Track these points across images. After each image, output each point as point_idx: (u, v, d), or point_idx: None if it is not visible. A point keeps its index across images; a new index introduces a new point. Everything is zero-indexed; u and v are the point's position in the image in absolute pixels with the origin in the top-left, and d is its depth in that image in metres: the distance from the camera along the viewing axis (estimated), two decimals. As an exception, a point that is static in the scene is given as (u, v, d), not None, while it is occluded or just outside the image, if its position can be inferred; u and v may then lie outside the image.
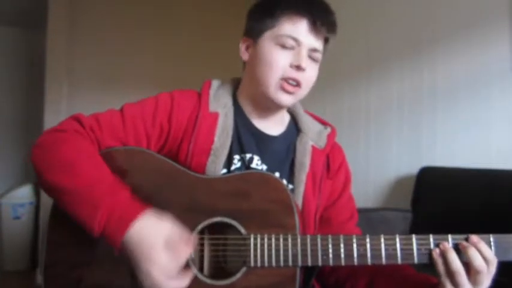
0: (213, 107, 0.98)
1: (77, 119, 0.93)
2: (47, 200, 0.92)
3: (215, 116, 0.97)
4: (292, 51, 0.93)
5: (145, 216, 0.79)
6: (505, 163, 1.82)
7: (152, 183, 0.89)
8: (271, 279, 0.82)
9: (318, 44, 0.94)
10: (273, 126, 1.03)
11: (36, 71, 4.08)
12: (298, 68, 0.92)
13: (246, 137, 0.99)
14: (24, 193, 3.58)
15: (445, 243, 0.78)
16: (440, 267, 0.77)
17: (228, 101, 1.00)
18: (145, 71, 3.59)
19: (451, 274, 0.76)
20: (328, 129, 1.06)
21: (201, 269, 0.87)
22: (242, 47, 1.01)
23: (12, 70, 4.46)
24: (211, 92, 1.01)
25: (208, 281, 0.83)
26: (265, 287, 0.82)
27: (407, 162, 2.36)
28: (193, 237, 0.82)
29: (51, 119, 3.37)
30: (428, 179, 2.15)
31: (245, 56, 1.00)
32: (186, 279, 0.79)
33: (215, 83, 1.04)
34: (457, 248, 0.77)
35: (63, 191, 0.83)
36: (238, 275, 0.82)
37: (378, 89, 2.60)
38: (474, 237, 0.77)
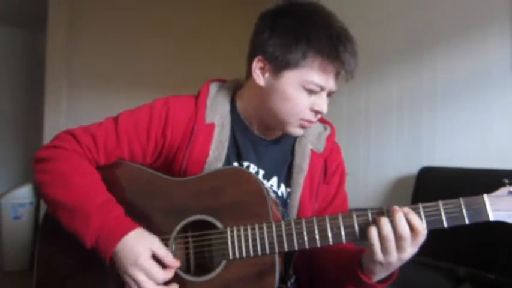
0: (209, 117, 0.97)
1: (73, 135, 0.93)
2: (46, 200, 0.93)
3: (211, 127, 0.96)
4: (314, 93, 0.92)
5: (136, 231, 0.83)
6: (504, 163, 1.81)
7: (131, 193, 0.92)
8: (251, 270, 0.83)
9: (336, 85, 0.94)
10: (273, 131, 1.02)
11: (36, 71, 4.08)
12: (320, 113, 0.93)
13: (244, 145, 0.98)
14: (24, 193, 3.58)
15: (383, 210, 0.79)
16: (373, 232, 0.77)
17: (225, 110, 0.99)
18: (145, 71, 3.59)
19: (381, 239, 0.76)
20: (328, 131, 1.06)
21: (188, 267, 0.88)
22: (256, 66, 0.94)
23: (12, 70, 4.46)
24: (209, 100, 0.99)
25: (190, 278, 0.85)
26: (246, 278, 0.83)
27: (407, 162, 2.36)
28: (178, 262, 0.84)
29: (51, 119, 3.37)
30: (428, 179, 2.14)
31: (259, 80, 0.94)
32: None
33: (213, 88, 1.02)
34: (388, 215, 0.78)
35: (60, 205, 0.86)
36: (219, 269, 0.84)
37: (378, 88, 2.60)
38: (405, 208, 0.78)
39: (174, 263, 0.82)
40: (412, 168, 2.26)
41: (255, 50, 0.94)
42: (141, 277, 0.79)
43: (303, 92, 0.90)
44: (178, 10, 3.76)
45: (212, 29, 3.78)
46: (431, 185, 2.10)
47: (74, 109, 3.44)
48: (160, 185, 0.91)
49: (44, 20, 3.52)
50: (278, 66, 0.90)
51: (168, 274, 0.81)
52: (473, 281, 1.62)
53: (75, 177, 0.87)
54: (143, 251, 0.80)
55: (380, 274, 0.81)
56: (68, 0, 3.51)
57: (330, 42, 0.87)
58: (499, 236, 1.42)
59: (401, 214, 0.76)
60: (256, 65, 0.94)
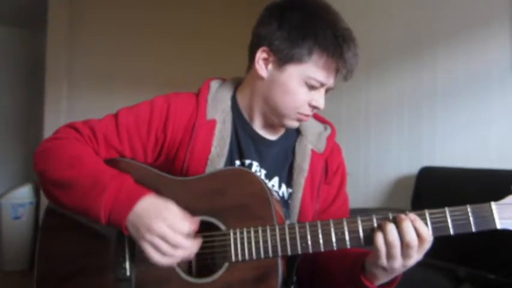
0: (210, 114, 0.97)
1: (73, 127, 0.93)
2: (47, 200, 0.92)
3: (212, 123, 0.96)
4: (314, 89, 0.93)
5: (152, 195, 0.82)
6: (504, 163, 1.82)
7: None
8: (253, 272, 0.82)
9: (335, 83, 0.95)
10: (273, 129, 1.02)
11: (36, 71, 4.08)
12: (317, 108, 0.95)
13: (246, 142, 0.98)
14: (24, 193, 3.57)
15: (390, 216, 0.79)
16: (380, 238, 0.76)
17: (226, 106, 0.99)
18: (145, 71, 3.59)
19: (387, 245, 0.76)
20: (328, 131, 1.06)
21: (190, 269, 0.87)
22: (260, 57, 0.94)
23: (12, 70, 4.46)
24: (210, 96, 0.99)
25: (192, 279, 0.84)
26: (248, 281, 0.82)
27: (407, 162, 2.36)
28: (196, 219, 0.82)
29: (51, 119, 3.37)
30: (428, 179, 2.14)
31: (262, 70, 0.94)
32: (195, 244, 0.80)
33: (214, 85, 1.02)
34: (395, 221, 0.77)
35: (69, 183, 0.83)
36: (221, 271, 0.83)
37: (378, 88, 2.60)
38: (411, 215, 0.77)
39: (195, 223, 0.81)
40: (412, 168, 2.26)
41: (259, 41, 0.94)
42: (164, 229, 0.77)
43: (304, 87, 0.92)
44: (178, 10, 3.76)
45: (212, 29, 3.78)
46: (431, 185, 2.10)
47: (74, 109, 3.44)
48: (162, 185, 0.90)
49: (44, 20, 3.52)
50: (283, 59, 0.91)
51: (194, 224, 0.81)
52: (473, 281, 1.62)
53: (81, 157, 0.87)
54: (164, 207, 0.80)
55: (382, 278, 0.81)
56: (68, 0, 3.51)
57: (335, 41, 0.89)
58: (500, 236, 1.41)
59: (409, 222, 0.75)
60: (260, 55, 0.94)
